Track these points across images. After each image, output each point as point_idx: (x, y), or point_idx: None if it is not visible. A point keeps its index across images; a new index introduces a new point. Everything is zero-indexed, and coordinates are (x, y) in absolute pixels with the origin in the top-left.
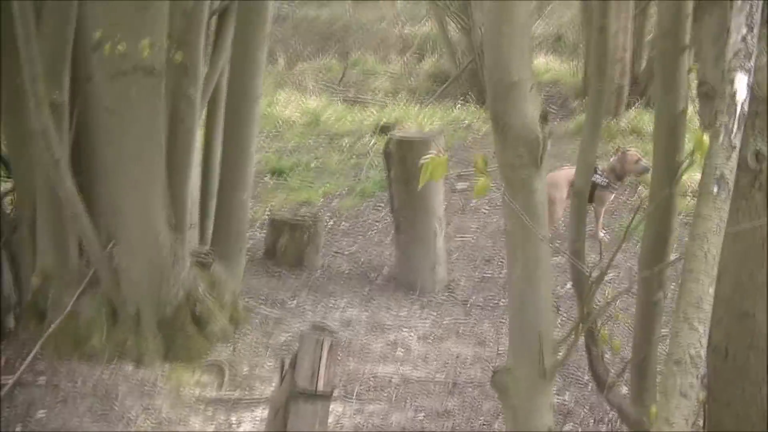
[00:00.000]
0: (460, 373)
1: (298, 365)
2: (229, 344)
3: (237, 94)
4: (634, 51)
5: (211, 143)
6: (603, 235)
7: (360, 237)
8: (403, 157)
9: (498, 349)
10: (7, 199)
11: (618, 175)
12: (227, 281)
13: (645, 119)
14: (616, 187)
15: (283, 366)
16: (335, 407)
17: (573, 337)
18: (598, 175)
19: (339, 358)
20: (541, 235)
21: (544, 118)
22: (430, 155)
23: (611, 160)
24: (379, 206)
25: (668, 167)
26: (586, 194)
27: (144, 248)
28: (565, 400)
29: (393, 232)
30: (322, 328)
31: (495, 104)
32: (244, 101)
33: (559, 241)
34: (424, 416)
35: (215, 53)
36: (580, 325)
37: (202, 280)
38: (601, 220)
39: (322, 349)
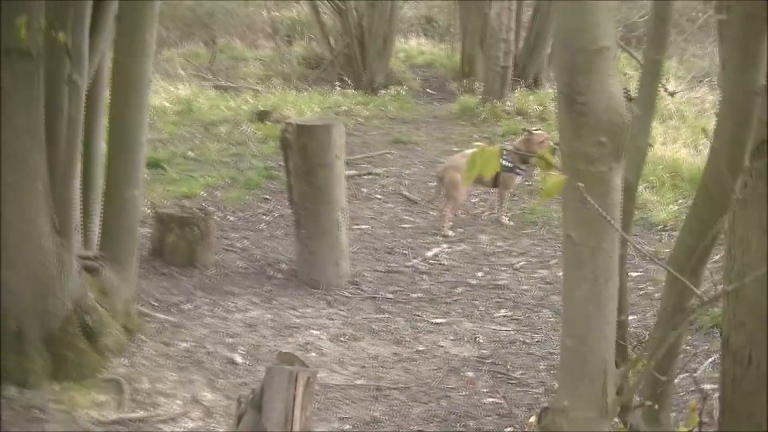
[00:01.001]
0: (381, 376)
1: (267, 406)
2: (125, 357)
3: (123, 79)
4: (516, 32)
5: (93, 134)
6: (506, 219)
7: (250, 231)
8: (303, 146)
9: (416, 348)
10: None
11: (523, 157)
12: (119, 287)
13: (530, 100)
14: (523, 169)
15: (240, 404)
16: None
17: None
18: (502, 159)
19: (316, 395)
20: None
21: (629, 96)
22: (478, 146)
23: (516, 142)
24: (266, 197)
25: (733, 154)
26: (636, 187)
27: (25, 255)
28: (500, 402)
29: (293, 225)
30: (291, 359)
31: (572, 79)
32: (133, 87)
33: (460, 229)
34: (350, 426)
35: (95, 33)
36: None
37: (91, 288)
38: (505, 204)
39: (296, 386)
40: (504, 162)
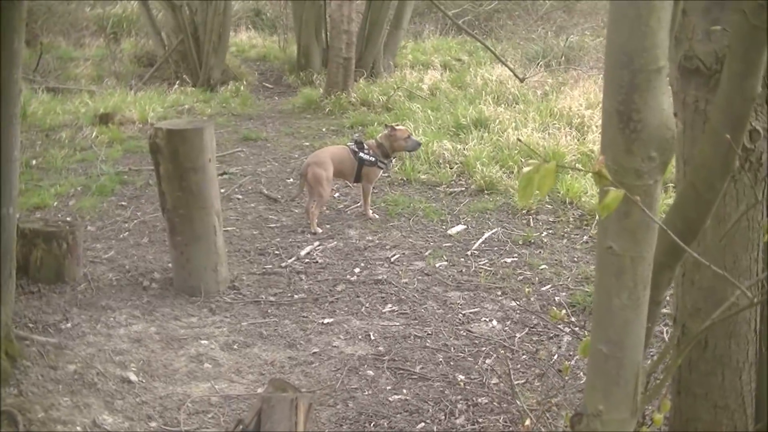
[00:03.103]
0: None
1: None
2: (11, 386)
3: None
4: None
5: None
6: (372, 213)
7: (113, 240)
8: (174, 151)
9: (310, 350)
10: None
11: (385, 151)
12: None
13: (373, 90)
14: (385, 163)
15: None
16: None
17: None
18: (364, 152)
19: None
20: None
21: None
22: (534, 163)
23: (378, 136)
24: (122, 204)
25: (724, 157)
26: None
27: None
28: (406, 398)
29: (167, 232)
30: (283, 385)
31: (629, 97)
32: (3, 99)
33: (328, 225)
34: None
35: None
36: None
37: None
38: (369, 198)
39: (297, 413)
40: (366, 156)
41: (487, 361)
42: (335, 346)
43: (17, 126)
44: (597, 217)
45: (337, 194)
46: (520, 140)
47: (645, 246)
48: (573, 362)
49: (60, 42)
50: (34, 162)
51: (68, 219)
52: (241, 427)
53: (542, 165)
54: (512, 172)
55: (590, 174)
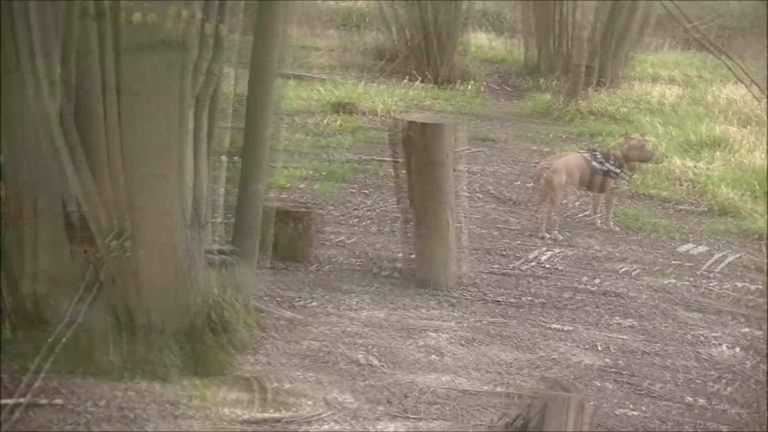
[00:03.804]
0: (507, 382)
1: None
2: (250, 354)
3: (253, 71)
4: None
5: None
6: (613, 224)
7: (354, 227)
8: (426, 145)
9: (536, 353)
10: None
11: (619, 161)
12: (243, 283)
13: (608, 100)
14: (617, 173)
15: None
16: (385, 425)
17: None
18: (598, 161)
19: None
20: None
21: None
22: None
23: (613, 145)
24: (364, 192)
25: None
26: None
27: (157, 248)
28: (633, 412)
29: (413, 224)
30: (558, 384)
31: None
32: (260, 79)
33: (567, 232)
34: None
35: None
36: None
37: (220, 284)
38: (610, 208)
39: (580, 415)
40: (600, 165)
41: (728, 388)
42: (561, 353)
43: (270, 107)
44: None
45: (577, 202)
46: None
47: None
48: None
49: (292, 31)
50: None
51: (307, 202)
52: (520, 422)
53: None
54: (757, 197)
55: None
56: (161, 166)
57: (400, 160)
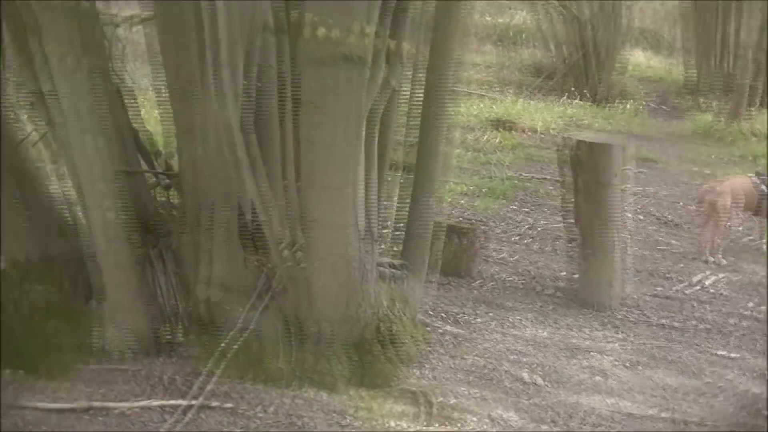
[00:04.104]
0: (673, 407)
1: None
2: (415, 368)
3: (428, 87)
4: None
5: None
6: None
7: (516, 244)
8: (594, 164)
9: (702, 379)
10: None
11: None
12: (411, 297)
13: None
14: None
15: None
16: None
17: None
18: (764, 185)
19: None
20: None
21: None
22: None
23: None
24: (525, 210)
25: None
26: None
27: (332, 260)
28: None
29: (578, 243)
30: None
31: None
32: (435, 96)
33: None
34: None
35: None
36: None
37: (389, 296)
38: None
39: None
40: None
41: None
42: (728, 380)
43: (444, 123)
44: None
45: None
46: None
47: None
48: None
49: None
50: None
51: (469, 218)
52: None
53: None
54: None
55: None
56: (338, 179)
57: (567, 178)
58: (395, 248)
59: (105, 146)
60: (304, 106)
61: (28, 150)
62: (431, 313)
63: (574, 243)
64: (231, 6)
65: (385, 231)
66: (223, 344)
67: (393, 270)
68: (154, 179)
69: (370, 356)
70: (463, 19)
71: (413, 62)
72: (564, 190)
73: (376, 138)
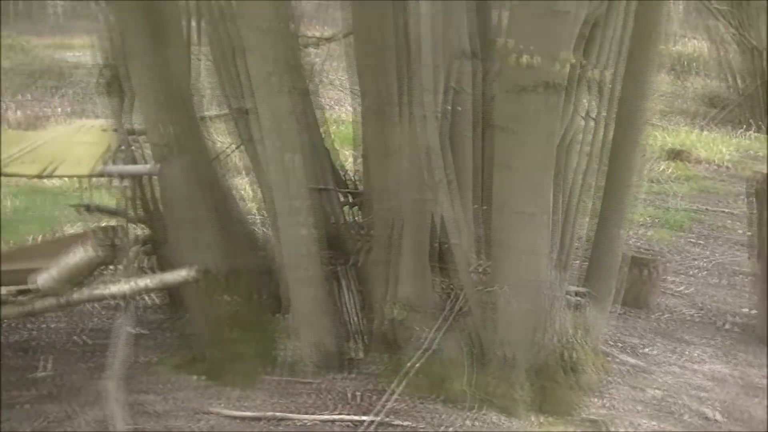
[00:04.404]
0: None
1: None
2: (596, 397)
3: (621, 117)
4: None
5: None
6: None
7: (692, 277)
8: None
9: None
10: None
11: None
12: (593, 325)
13: None
14: None
15: None
16: None
17: None
18: None
19: None
20: None
21: None
22: None
23: None
24: (701, 242)
25: None
26: None
27: (523, 286)
28: None
29: (756, 279)
30: None
31: None
32: (629, 126)
33: None
34: None
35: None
36: None
37: (572, 323)
38: None
39: None
40: None
41: None
42: None
43: (638, 153)
44: None
45: None
46: None
47: None
48: None
49: None
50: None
51: (646, 248)
52: None
53: None
54: None
55: None
56: (532, 205)
57: (753, 213)
58: (580, 275)
59: (301, 164)
60: (500, 131)
61: (220, 165)
62: (610, 342)
63: (753, 278)
64: (436, 32)
65: (575, 259)
66: (408, 364)
67: (578, 298)
68: (343, 198)
69: (553, 383)
70: (659, 50)
71: (608, 90)
72: (751, 225)
73: (568, 165)
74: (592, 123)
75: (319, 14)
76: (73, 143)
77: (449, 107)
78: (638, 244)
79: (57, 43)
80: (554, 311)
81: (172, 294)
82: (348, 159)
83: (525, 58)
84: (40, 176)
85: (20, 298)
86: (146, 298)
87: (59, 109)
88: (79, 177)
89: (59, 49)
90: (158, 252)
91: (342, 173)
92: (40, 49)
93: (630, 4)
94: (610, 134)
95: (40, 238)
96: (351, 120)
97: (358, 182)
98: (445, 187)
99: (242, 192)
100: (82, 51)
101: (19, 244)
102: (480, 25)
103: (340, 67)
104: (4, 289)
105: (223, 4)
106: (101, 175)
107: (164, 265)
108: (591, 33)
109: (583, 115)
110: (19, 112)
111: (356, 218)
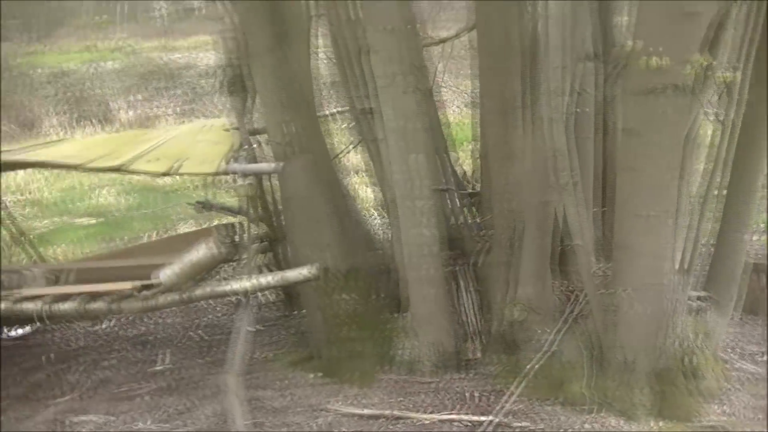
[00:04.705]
0: None
1: None
2: (716, 404)
3: (748, 119)
4: None
5: None
6: None
7: None
8: None
9: None
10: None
11: None
12: (714, 331)
13: None
14: None
15: None
16: None
17: None
18: None
19: None
20: None
21: None
22: None
23: None
24: None
25: None
26: None
27: (647, 289)
28: None
29: None
30: None
31: None
32: (758, 127)
33: None
34: None
35: None
36: None
37: (692, 328)
38: None
39: None
40: None
41: None
42: None
43: (764, 156)
44: None
45: None
46: None
47: None
48: None
49: None
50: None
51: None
52: None
53: None
54: None
55: None
56: (658, 208)
57: None
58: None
59: (425, 164)
60: (627, 134)
61: (340, 165)
62: (729, 349)
63: None
64: (564, 33)
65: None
66: (528, 365)
67: (699, 303)
68: (462, 198)
69: (673, 388)
70: None
71: (736, 92)
72: None
73: (694, 167)
74: (718, 125)
75: (430, 16)
76: (196, 142)
77: (576, 109)
78: (755, 249)
79: (162, 45)
80: (676, 315)
81: (288, 292)
82: (460, 160)
83: (654, 60)
84: (167, 174)
85: (144, 293)
86: (261, 295)
87: (169, 110)
88: (205, 175)
89: (165, 51)
90: (274, 250)
91: (464, 174)
92: (147, 50)
93: (760, 5)
94: (736, 137)
95: (154, 235)
96: (456, 122)
97: (475, 183)
98: (570, 189)
99: (356, 191)
100: (188, 52)
101: (135, 240)
102: (601, 27)
103: (445, 69)
104: (129, 284)
105: (349, 5)
106: (226, 173)
107: (279, 263)
108: (716, 34)
109: (710, 117)
110: (130, 112)
111: (475, 219)
